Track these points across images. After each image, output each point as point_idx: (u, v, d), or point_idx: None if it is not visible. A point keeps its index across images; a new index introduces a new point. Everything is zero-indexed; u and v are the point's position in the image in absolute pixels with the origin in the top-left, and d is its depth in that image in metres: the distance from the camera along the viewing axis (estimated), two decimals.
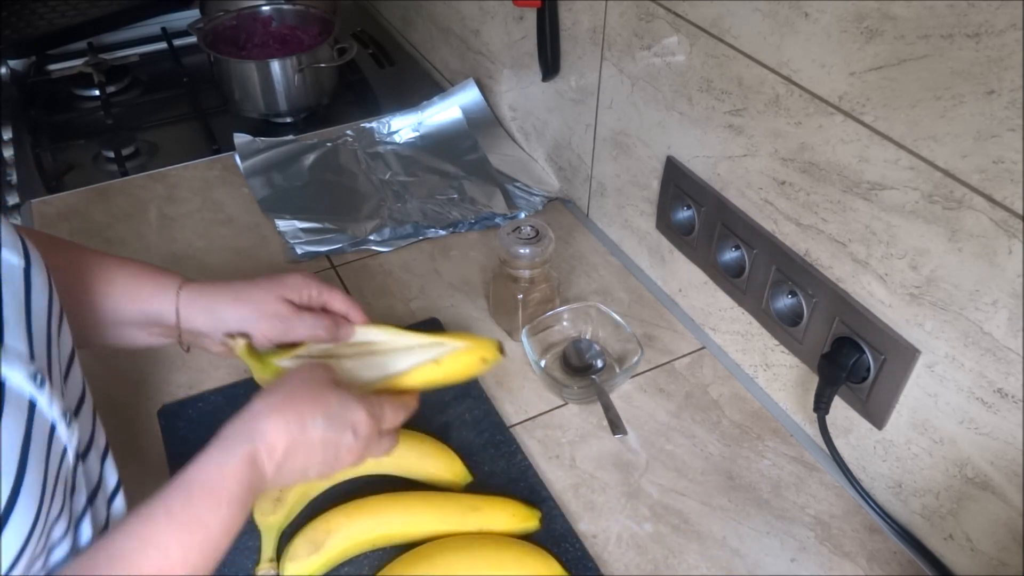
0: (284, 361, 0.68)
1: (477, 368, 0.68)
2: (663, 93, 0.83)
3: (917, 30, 0.55)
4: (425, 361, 0.67)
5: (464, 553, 0.65)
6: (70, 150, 1.22)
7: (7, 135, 1.26)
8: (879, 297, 0.66)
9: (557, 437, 0.79)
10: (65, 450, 0.50)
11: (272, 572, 0.65)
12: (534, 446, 0.78)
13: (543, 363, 0.85)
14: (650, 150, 0.88)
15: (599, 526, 0.72)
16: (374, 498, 0.68)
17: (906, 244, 0.62)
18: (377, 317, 0.91)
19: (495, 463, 0.75)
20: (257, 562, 0.66)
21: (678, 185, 0.85)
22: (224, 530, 0.52)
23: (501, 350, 0.68)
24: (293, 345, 0.69)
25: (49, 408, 0.48)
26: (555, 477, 0.75)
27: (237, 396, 0.81)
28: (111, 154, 1.19)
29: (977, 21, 0.51)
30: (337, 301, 0.70)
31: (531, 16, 1.01)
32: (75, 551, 0.52)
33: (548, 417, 0.81)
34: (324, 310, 0.70)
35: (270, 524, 0.67)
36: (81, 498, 0.53)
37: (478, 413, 0.80)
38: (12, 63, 1.36)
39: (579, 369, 0.85)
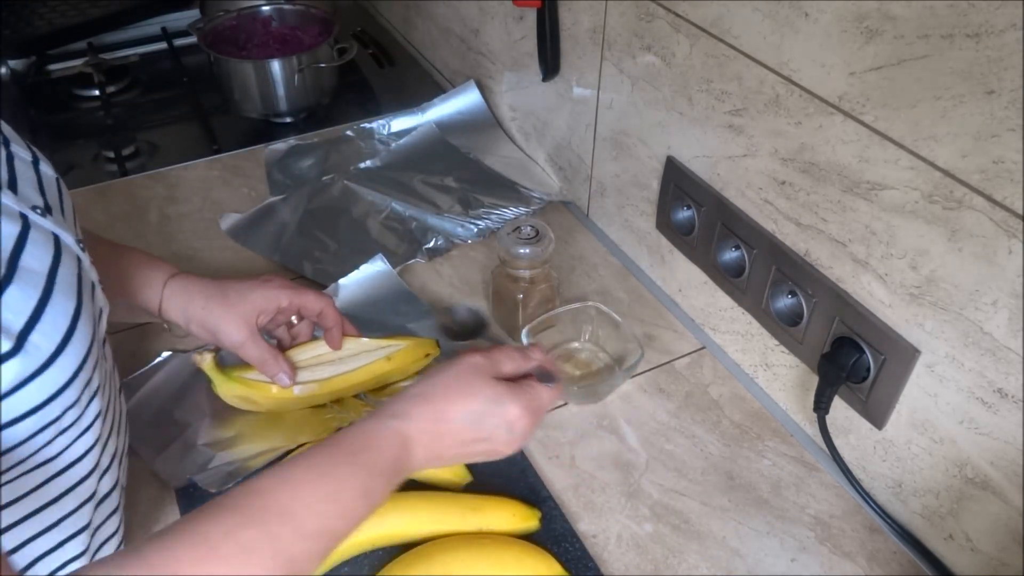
0: (247, 375, 0.73)
1: (422, 363, 0.77)
2: (663, 93, 0.83)
3: (917, 30, 0.55)
4: (378, 359, 0.75)
5: (464, 553, 0.65)
6: (70, 150, 1.22)
7: None
8: (879, 297, 0.66)
9: (557, 437, 0.79)
10: (101, 311, 0.55)
11: None
12: (534, 446, 0.78)
13: None
14: (650, 150, 0.88)
15: (599, 526, 0.72)
16: None
17: (906, 244, 0.62)
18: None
19: (495, 463, 0.74)
20: None
21: (678, 185, 0.85)
22: (361, 491, 0.52)
23: (439, 346, 0.78)
24: None
25: (90, 270, 0.54)
26: (555, 477, 0.75)
27: None
28: (111, 154, 1.19)
29: (977, 21, 0.51)
30: (311, 303, 0.73)
31: (531, 16, 1.01)
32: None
33: (548, 417, 0.81)
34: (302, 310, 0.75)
35: None
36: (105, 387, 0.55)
37: None
38: (12, 63, 1.36)
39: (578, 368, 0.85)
